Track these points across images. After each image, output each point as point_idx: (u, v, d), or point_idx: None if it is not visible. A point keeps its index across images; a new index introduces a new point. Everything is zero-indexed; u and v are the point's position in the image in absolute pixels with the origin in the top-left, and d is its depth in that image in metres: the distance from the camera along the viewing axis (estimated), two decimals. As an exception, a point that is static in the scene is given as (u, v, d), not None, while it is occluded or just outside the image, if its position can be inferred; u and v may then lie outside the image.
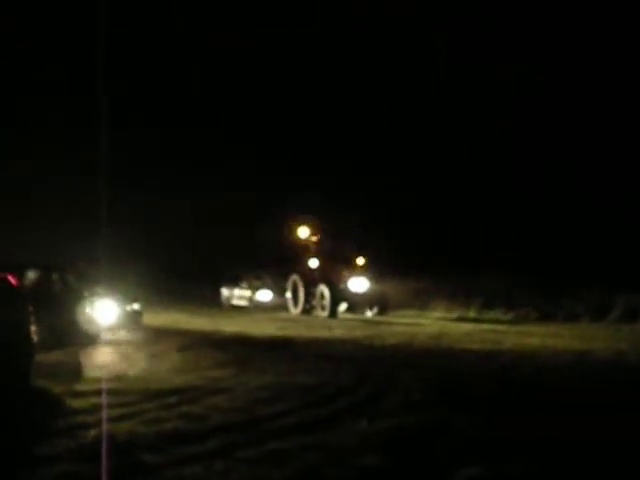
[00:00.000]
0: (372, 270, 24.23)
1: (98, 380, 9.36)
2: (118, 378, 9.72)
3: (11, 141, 31.41)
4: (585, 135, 27.11)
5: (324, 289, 23.59)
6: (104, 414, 7.29)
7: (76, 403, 8.09)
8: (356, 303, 24.12)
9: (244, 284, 28.52)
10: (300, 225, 25.14)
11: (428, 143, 30.73)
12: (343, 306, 24.17)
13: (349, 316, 23.47)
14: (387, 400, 8.44)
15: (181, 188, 35.03)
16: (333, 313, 23.20)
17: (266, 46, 33.46)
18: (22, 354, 8.96)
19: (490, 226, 26.64)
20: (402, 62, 31.70)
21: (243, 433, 6.76)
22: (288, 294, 25.36)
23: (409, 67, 31.51)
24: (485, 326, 18.69)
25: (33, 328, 9.38)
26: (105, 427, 6.77)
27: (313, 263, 24.81)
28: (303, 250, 25.22)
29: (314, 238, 25.27)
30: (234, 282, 28.82)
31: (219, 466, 5.68)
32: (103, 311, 14.56)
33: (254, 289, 28.20)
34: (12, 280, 9.41)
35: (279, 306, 26.30)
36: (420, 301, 24.90)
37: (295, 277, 24.94)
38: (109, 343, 13.88)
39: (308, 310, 24.35)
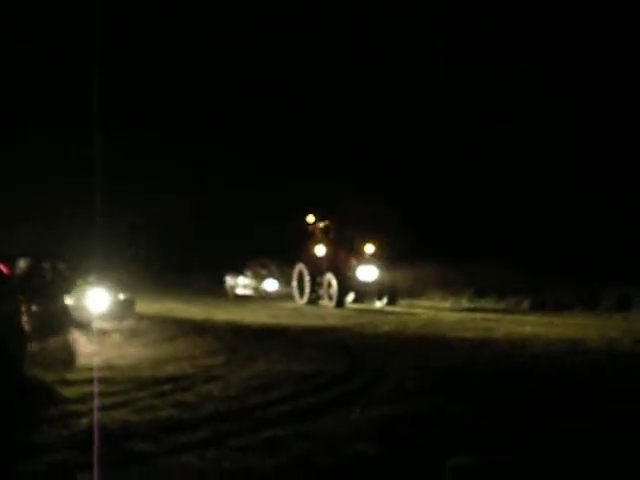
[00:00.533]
0: (384, 258, 23.04)
1: (90, 369, 9.31)
2: (110, 367, 9.69)
3: (11, 141, 31.33)
4: (585, 135, 27.08)
5: (331, 278, 22.32)
6: (96, 403, 7.26)
7: (68, 392, 8.05)
8: (364, 293, 22.75)
9: (249, 273, 27.45)
10: (307, 212, 24.22)
11: (428, 143, 30.63)
12: (351, 296, 22.81)
13: (357, 306, 22.44)
14: (381, 388, 8.44)
15: (181, 188, 34.99)
16: (340, 303, 21.95)
17: (266, 46, 33.25)
18: (14, 343, 8.90)
19: (486, 218, 26.62)
20: (402, 62, 31.50)
21: (236, 421, 6.76)
22: (294, 283, 24.19)
23: (409, 67, 31.33)
24: (478, 314, 18.71)
25: (24, 317, 9.32)
26: (97, 416, 6.74)
27: (320, 251, 23.55)
28: (309, 237, 24.20)
29: (321, 224, 24.21)
30: (239, 271, 27.74)
31: (212, 454, 5.68)
32: (95, 300, 14.53)
33: (260, 278, 27.20)
34: (3, 269, 9.34)
35: (285, 296, 25.32)
36: (414, 290, 24.79)
37: (301, 265, 23.63)
38: (101, 331, 13.83)
39: (314, 300, 23.08)
